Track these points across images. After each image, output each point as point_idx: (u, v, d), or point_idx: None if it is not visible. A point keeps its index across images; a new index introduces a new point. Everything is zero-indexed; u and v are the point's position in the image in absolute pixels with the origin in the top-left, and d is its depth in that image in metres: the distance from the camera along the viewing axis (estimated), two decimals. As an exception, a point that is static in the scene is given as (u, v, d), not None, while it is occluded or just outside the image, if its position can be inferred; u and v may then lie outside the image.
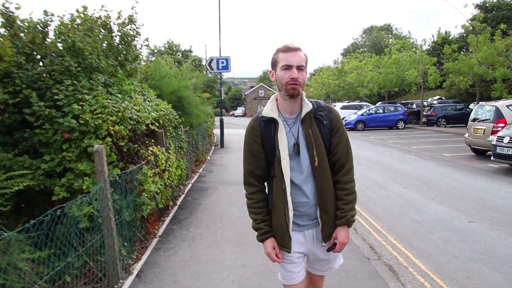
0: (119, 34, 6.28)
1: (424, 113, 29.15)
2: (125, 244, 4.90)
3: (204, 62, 36.69)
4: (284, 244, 2.48)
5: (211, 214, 6.95)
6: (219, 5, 17.31)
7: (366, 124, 28.15)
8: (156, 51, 41.37)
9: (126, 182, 5.33)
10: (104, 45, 6.02)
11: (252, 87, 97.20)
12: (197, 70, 38.91)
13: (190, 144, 10.85)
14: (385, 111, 29.10)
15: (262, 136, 2.48)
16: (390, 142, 19.37)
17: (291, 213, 2.43)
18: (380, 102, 38.01)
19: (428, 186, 9.16)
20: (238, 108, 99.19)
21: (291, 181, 2.43)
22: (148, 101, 6.95)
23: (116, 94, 5.52)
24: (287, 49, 2.35)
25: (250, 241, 5.54)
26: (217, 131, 20.29)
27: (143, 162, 5.62)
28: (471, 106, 31.38)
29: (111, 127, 4.93)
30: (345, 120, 28.98)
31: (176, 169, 7.63)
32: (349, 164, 2.54)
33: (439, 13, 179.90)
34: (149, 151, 5.83)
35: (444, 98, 39.79)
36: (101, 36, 6.08)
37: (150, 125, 6.31)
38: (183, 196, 8.23)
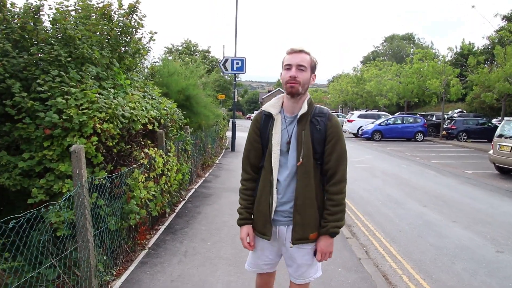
0: (119, 24, 5.74)
1: (444, 126, 28.20)
2: (105, 258, 4.34)
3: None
4: (264, 232, 2.61)
5: (210, 225, 6.36)
6: (236, 3, 16.73)
7: (383, 135, 27.28)
8: (174, 50, 41.18)
9: (115, 186, 4.80)
10: (98, 34, 5.46)
11: (269, 91, 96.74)
12: (214, 71, 38.64)
13: (197, 146, 10.30)
14: (404, 122, 28.17)
15: (261, 128, 2.66)
16: (408, 154, 18.57)
17: (274, 204, 2.55)
18: (398, 113, 37.07)
19: (449, 206, 8.44)
20: (254, 111, 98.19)
21: (277, 177, 2.56)
22: (149, 98, 6.41)
23: (109, 89, 4.98)
24: (291, 51, 2.50)
25: (248, 260, 4.95)
26: (229, 134, 19.78)
27: (134, 166, 5.07)
28: (494, 121, 30.48)
29: (98, 125, 4.39)
30: (362, 129, 28.21)
31: (177, 173, 7.08)
32: (340, 175, 2.55)
33: (462, 24, 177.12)
34: (143, 153, 5.26)
35: (465, 112, 38.69)
36: (100, 26, 5.57)
37: (148, 125, 5.77)
38: (183, 202, 7.66)
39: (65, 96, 4.38)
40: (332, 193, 2.53)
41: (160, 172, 5.95)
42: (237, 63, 16.14)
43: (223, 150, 16.90)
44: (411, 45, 79.64)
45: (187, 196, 8.14)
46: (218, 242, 5.59)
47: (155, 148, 5.80)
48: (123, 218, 4.80)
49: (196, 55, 40.64)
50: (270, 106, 2.64)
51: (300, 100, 2.55)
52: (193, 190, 8.79)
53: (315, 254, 2.60)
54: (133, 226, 4.92)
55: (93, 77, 4.95)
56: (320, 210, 2.57)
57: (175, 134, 7.61)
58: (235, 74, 17.34)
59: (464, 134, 26.78)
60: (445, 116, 31.46)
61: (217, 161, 13.39)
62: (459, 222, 7.27)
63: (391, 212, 7.92)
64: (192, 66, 11.41)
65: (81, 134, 4.36)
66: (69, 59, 4.83)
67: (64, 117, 4.24)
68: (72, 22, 5.25)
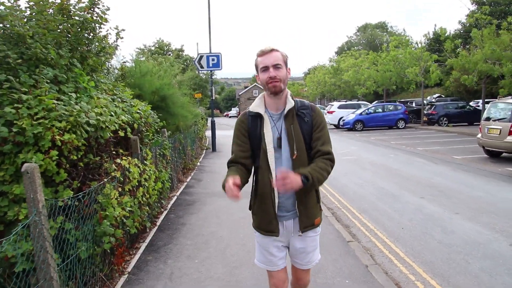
0: (78, 19, 5.04)
1: (425, 111, 28.08)
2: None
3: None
4: (272, 229, 2.68)
5: (196, 238, 5.73)
6: (208, 1, 16.05)
7: (365, 124, 26.98)
8: (146, 50, 40.11)
9: (85, 205, 4.14)
10: (55, 32, 4.76)
11: (246, 87, 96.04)
12: (189, 69, 37.79)
13: (176, 150, 9.64)
14: (385, 110, 27.92)
15: (249, 129, 2.69)
16: (393, 143, 18.22)
17: (277, 200, 2.62)
18: (376, 101, 36.88)
19: (447, 196, 7.99)
20: (232, 108, 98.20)
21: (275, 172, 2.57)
22: (119, 101, 5.74)
23: (70, 93, 4.30)
24: (262, 53, 2.56)
25: (242, 279, 4.35)
26: (209, 133, 19.06)
27: (105, 180, 4.40)
28: (471, 103, 30.50)
29: (58, 136, 3.72)
30: (343, 120, 27.88)
31: (156, 182, 6.43)
32: (331, 154, 2.62)
33: (429, 11, 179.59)
34: (113, 165, 4.60)
35: (443, 96, 38.82)
36: (56, 23, 4.86)
37: (119, 131, 5.10)
38: (165, 213, 7.01)
39: (16, 105, 3.69)
40: (321, 160, 2.57)
41: (137, 184, 5.30)
42: (213, 60, 15.44)
43: (204, 151, 16.21)
44: (385, 33, 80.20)
45: (169, 205, 7.48)
46: (206, 259, 4.96)
47: (129, 157, 5.14)
48: (95, 242, 4.15)
49: (169, 54, 39.67)
50: (256, 106, 2.69)
51: (282, 96, 2.63)
52: (175, 197, 8.13)
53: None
54: (108, 250, 4.26)
55: (50, 81, 4.26)
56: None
57: (151, 139, 6.95)
58: (211, 71, 16.64)
59: (445, 118, 26.68)
60: (425, 101, 31.42)
61: (198, 163, 12.72)
62: (462, 214, 6.81)
63: (388, 207, 7.43)
64: (166, 65, 10.68)
65: (38, 149, 3.69)
66: (20, 60, 4.13)
67: (15, 130, 3.55)
68: (23, 19, 4.55)
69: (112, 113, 4.84)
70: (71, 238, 3.90)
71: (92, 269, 4.12)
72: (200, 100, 32.61)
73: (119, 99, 5.86)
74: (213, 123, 16.53)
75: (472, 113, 27.00)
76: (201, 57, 15.54)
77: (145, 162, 6.00)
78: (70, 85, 4.49)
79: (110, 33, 6.09)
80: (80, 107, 4.13)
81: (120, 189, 4.61)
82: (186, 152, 11.16)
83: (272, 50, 2.55)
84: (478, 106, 28.43)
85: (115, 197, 4.42)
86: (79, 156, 4.14)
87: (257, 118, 2.67)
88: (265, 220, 2.69)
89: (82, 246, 3.96)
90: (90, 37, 5.33)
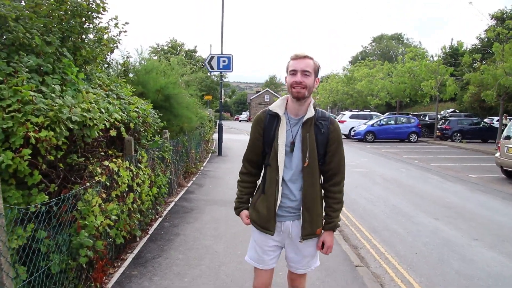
0: (72, 5, 4.58)
1: (438, 126, 27.39)
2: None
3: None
4: (268, 227, 2.73)
5: (189, 252, 5.22)
6: (222, 1, 15.62)
7: (376, 136, 26.33)
8: (159, 49, 39.88)
9: (64, 212, 3.67)
10: (46, 18, 4.31)
11: (257, 92, 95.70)
12: (200, 71, 37.46)
13: (178, 152, 9.16)
14: (397, 122, 27.26)
15: (265, 127, 2.74)
16: (404, 157, 17.61)
17: (279, 201, 2.68)
18: (387, 113, 36.17)
19: (464, 219, 7.41)
20: (242, 112, 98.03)
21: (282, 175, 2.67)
22: (114, 98, 5.27)
23: (54, 86, 3.83)
24: (295, 57, 2.59)
25: (236, 305, 3.84)
26: (217, 136, 18.55)
27: (88, 184, 3.92)
28: (486, 120, 29.68)
29: (32, 133, 3.25)
30: (354, 131, 27.24)
31: (151, 187, 5.94)
32: (342, 174, 2.75)
33: (445, 24, 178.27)
34: (98, 168, 4.11)
35: (457, 111, 38.03)
36: (47, 7, 4.42)
37: (110, 130, 4.63)
38: (159, 220, 6.51)
39: (-14, 95, 3.23)
40: (335, 192, 2.73)
41: (127, 189, 4.81)
42: (224, 61, 14.99)
43: (209, 155, 15.71)
44: (400, 45, 79.73)
45: (165, 212, 6.98)
46: (198, 277, 4.44)
47: (119, 160, 4.65)
48: (71, 255, 3.66)
49: (182, 54, 39.40)
50: (277, 106, 2.72)
51: (305, 103, 2.66)
52: (173, 203, 7.63)
53: (322, 247, 2.77)
54: (84, 265, 3.77)
55: (32, 70, 3.80)
56: (321, 207, 2.77)
57: (149, 140, 6.48)
58: (221, 72, 16.17)
59: (458, 134, 26.02)
60: (438, 116, 30.75)
61: (202, 167, 12.23)
62: (482, 241, 6.24)
63: (401, 228, 6.87)
64: (173, 61, 10.23)
65: (9, 146, 3.23)
66: (-1, 46, 3.68)
67: (-19, 124, 3.09)
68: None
69: (103, 110, 4.36)
70: (43, 248, 3.43)
71: (65, 285, 3.63)
72: (210, 102, 32.21)
73: (115, 96, 5.39)
74: (220, 126, 16.05)
75: (487, 130, 26.31)
76: (212, 57, 15.10)
77: (139, 165, 5.52)
78: (56, 77, 4.02)
79: (109, 25, 5.64)
80: (63, 101, 3.65)
81: (104, 195, 4.12)
82: (189, 155, 10.68)
83: (305, 57, 2.58)
84: (493, 123, 27.67)
85: (98, 204, 3.93)
86: (59, 157, 3.67)
87: (274, 118, 2.71)
88: (264, 217, 2.73)
89: (54, 258, 3.48)
90: (85, 26, 4.86)
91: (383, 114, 34.04)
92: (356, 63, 50.52)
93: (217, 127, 16.95)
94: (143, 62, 8.48)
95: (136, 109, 5.78)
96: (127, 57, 8.12)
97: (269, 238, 2.77)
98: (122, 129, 4.98)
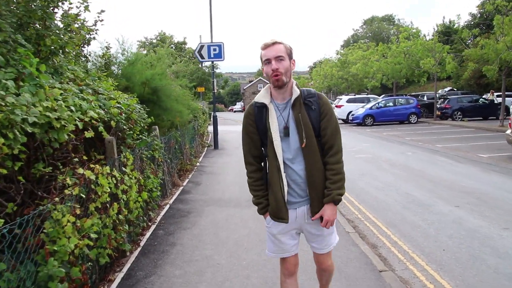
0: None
1: (438, 105, 26.75)
2: None
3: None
4: (281, 216, 2.72)
5: (187, 266, 4.54)
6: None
7: (375, 119, 25.68)
8: (147, 43, 38.90)
9: (30, 235, 2.99)
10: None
11: (250, 81, 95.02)
12: (191, 63, 36.60)
13: (171, 150, 8.47)
14: (396, 104, 26.61)
15: (256, 119, 2.74)
16: (407, 139, 16.97)
17: (285, 188, 2.68)
18: (383, 95, 35.45)
19: (488, 205, 6.77)
20: (237, 103, 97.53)
21: (283, 160, 2.67)
22: (89, 93, 4.54)
23: (5, 81, 3.11)
24: (265, 46, 2.60)
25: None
26: (212, 129, 17.78)
27: (56, 199, 3.22)
28: (485, 96, 28.98)
29: (-25, 142, 2.55)
30: (353, 115, 26.59)
31: (140, 192, 5.25)
32: (337, 146, 2.70)
33: (433, 6, 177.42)
34: (68, 179, 3.40)
35: (455, 90, 37.39)
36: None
37: (85, 131, 3.92)
38: (152, 228, 5.82)
39: None
40: (332, 163, 2.67)
41: (109, 199, 4.11)
42: (214, 50, 14.21)
43: (205, 149, 14.99)
44: (391, 26, 79.00)
45: (159, 218, 6.30)
46: (198, 299, 3.78)
47: (97, 166, 3.94)
48: (39, 288, 2.97)
49: (171, 47, 38.44)
50: (262, 97, 2.73)
51: (287, 88, 2.67)
52: (167, 206, 6.95)
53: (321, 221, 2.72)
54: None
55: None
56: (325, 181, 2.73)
57: (136, 139, 5.77)
58: (212, 62, 15.38)
59: (459, 113, 25.41)
60: (436, 95, 30.17)
61: (198, 163, 11.52)
62: (513, 229, 5.60)
63: (420, 219, 6.22)
64: (160, 52, 9.43)
65: None
66: None
67: None
68: None
69: (73, 108, 3.64)
70: (2, 284, 2.75)
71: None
72: (203, 94, 31.39)
73: (91, 91, 4.66)
74: (214, 118, 15.31)
75: (487, 107, 25.70)
76: (202, 47, 14.31)
77: (124, 169, 4.82)
78: (10, 70, 3.30)
79: (80, 10, 4.90)
80: (17, 100, 2.94)
81: (79, 211, 3.42)
82: (183, 152, 9.98)
83: (274, 43, 2.58)
84: (492, 99, 26.99)
85: (71, 221, 3.23)
86: (16, 168, 2.97)
87: (262, 108, 2.71)
88: (275, 207, 2.73)
89: (18, 295, 2.79)
90: (48, 10, 4.13)
91: (379, 96, 33.36)
92: (349, 46, 49.62)
93: (211, 119, 16.22)
94: (126, 53, 7.74)
95: (118, 105, 5.06)
96: (107, 48, 7.36)
97: (285, 227, 2.78)
98: (101, 128, 4.27)
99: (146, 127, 6.44)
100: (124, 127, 5.26)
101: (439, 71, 24.34)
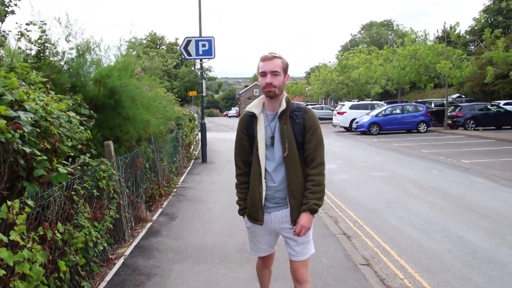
0: None
1: (448, 113, 24.69)
2: None
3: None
4: (257, 218, 2.90)
5: None
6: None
7: (381, 127, 23.53)
8: (137, 43, 36.53)
9: None
10: None
11: (246, 86, 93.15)
12: (183, 65, 34.41)
13: (139, 170, 6.26)
14: (404, 111, 24.52)
15: (247, 126, 2.94)
16: (424, 151, 14.85)
17: (263, 193, 2.86)
18: (382, 102, 33.30)
19: None
20: (232, 108, 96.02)
21: (265, 168, 2.86)
22: None
23: None
24: (263, 59, 2.78)
25: None
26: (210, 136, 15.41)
27: None
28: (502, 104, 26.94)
29: None
30: (357, 122, 24.40)
31: (54, 262, 3.04)
32: (319, 158, 2.84)
33: (426, 15, 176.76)
34: None
35: (463, 97, 35.42)
36: None
37: None
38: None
39: None
40: (313, 174, 2.82)
41: None
42: (204, 45, 11.99)
43: (192, 162, 12.72)
44: (390, 31, 77.89)
45: (104, 284, 4.07)
46: None
47: None
48: None
49: (162, 48, 36.22)
50: (253, 106, 2.93)
51: (278, 99, 2.84)
52: (120, 262, 4.70)
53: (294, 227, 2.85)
54: None
55: None
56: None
57: (53, 168, 3.53)
58: (201, 60, 13.13)
59: (471, 121, 23.43)
60: (444, 102, 28.22)
61: (179, 183, 9.29)
62: None
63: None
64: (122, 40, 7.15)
65: None
66: None
67: None
68: None
69: None
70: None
71: None
72: (196, 98, 29.17)
73: None
74: (203, 126, 13.02)
75: (503, 115, 23.69)
76: (189, 41, 12.08)
77: (14, 231, 2.61)
78: None
79: None
80: None
81: None
82: (159, 171, 7.74)
83: (273, 58, 2.75)
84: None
85: None
86: None
87: (253, 117, 2.91)
88: (253, 209, 2.90)
89: None
90: None
91: (379, 102, 31.21)
92: (349, 50, 47.51)
93: (210, 124, 13.95)
94: (71, 39, 5.52)
95: (12, 113, 2.86)
96: (42, 32, 5.13)
97: (262, 228, 2.94)
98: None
99: (85, 143, 4.25)
100: (27, 149, 3.04)
101: (458, 75, 22.14)
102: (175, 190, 8.45)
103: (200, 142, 16.32)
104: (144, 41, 36.16)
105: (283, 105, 2.80)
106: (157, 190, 7.22)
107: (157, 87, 7.91)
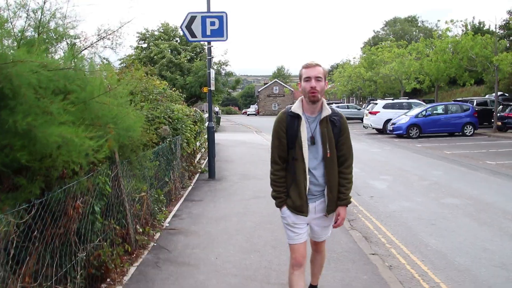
0: None
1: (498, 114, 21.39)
2: None
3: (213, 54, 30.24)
4: (303, 210, 3.17)
5: None
6: None
7: (422, 129, 20.29)
8: (148, 35, 33.84)
9: None
10: None
11: (265, 83, 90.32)
12: (198, 59, 31.50)
13: (74, 224, 3.34)
14: (447, 111, 21.20)
15: (287, 126, 3.15)
16: (491, 163, 11.71)
17: (308, 187, 3.13)
18: (406, 99, 29.93)
19: None
20: (251, 106, 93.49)
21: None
22: None
23: None
24: (307, 66, 3.05)
25: None
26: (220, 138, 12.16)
27: None
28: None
29: None
30: (393, 124, 21.14)
31: None
32: (351, 159, 3.25)
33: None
34: None
35: (507, 95, 31.85)
36: None
37: None
38: None
39: None
40: (347, 173, 3.23)
41: None
42: (212, 23, 8.99)
43: (195, 178, 9.71)
44: (414, 28, 74.53)
45: None
46: None
47: None
48: None
49: (176, 40, 33.43)
50: (297, 108, 3.14)
51: (318, 103, 3.11)
52: None
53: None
54: None
55: None
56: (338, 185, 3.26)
57: None
58: (209, 43, 10.01)
59: (524, 123, 20.07)
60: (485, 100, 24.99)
61: (168, 220, 6.34)
62: None
63: None
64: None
65: None
66: None
67: None
68: None
69: None
70: None
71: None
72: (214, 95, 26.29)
73: None
74: (210, 130, 9.91)
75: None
76: (193, 18, 9.04)
77: None
78: None
79: None
80: None
81: None
82: (126, 211, 4.78)
83: (316, 65, 3.03)
84: None
85: None
86: None
87: (295, 118, 3.13)
88: (298, 202, 3.15)
89: None
90: None
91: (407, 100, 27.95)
92: (377, 45, 44.02)
93: (217, 127, 10.93)
94: None
95: None
96: None
97: (302, 217, 3.18)
98: None
99: None
100: None
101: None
102: (157, 236, 5.47)
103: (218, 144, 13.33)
104: (156, 33, 33.43)
105: (328, 110, 3.11)
106: (115, 252, 4.20)
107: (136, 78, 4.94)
